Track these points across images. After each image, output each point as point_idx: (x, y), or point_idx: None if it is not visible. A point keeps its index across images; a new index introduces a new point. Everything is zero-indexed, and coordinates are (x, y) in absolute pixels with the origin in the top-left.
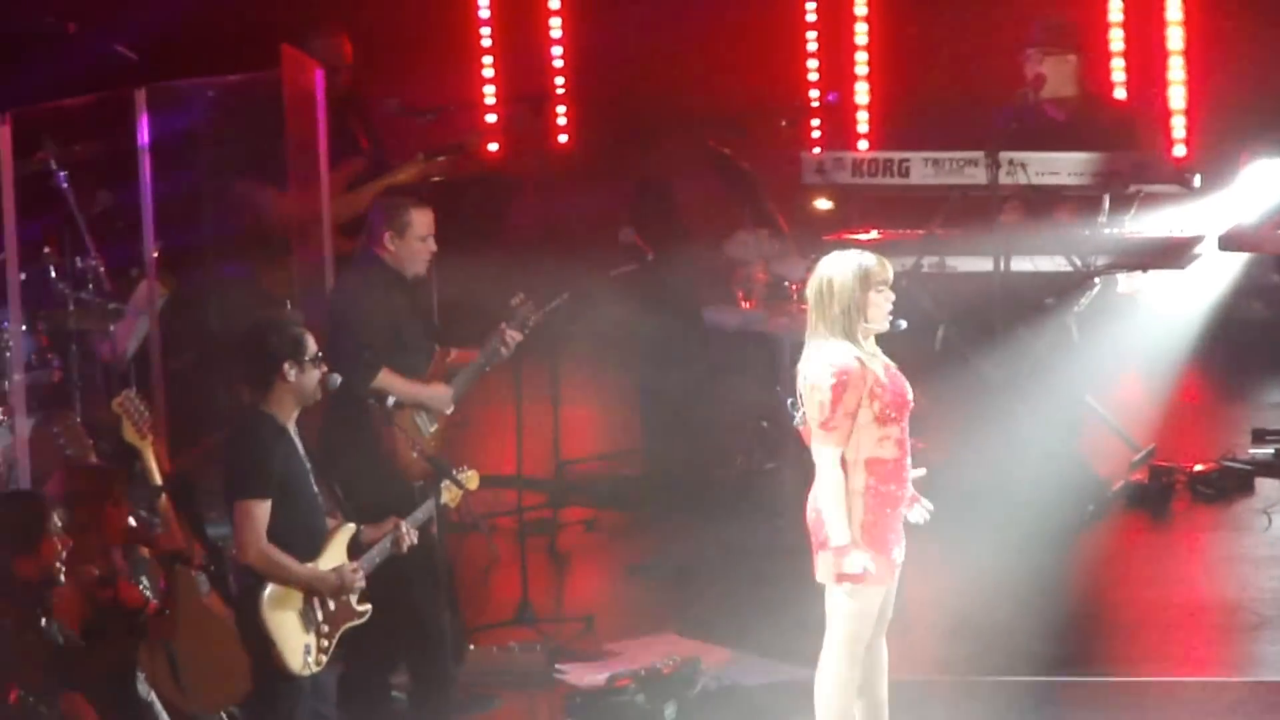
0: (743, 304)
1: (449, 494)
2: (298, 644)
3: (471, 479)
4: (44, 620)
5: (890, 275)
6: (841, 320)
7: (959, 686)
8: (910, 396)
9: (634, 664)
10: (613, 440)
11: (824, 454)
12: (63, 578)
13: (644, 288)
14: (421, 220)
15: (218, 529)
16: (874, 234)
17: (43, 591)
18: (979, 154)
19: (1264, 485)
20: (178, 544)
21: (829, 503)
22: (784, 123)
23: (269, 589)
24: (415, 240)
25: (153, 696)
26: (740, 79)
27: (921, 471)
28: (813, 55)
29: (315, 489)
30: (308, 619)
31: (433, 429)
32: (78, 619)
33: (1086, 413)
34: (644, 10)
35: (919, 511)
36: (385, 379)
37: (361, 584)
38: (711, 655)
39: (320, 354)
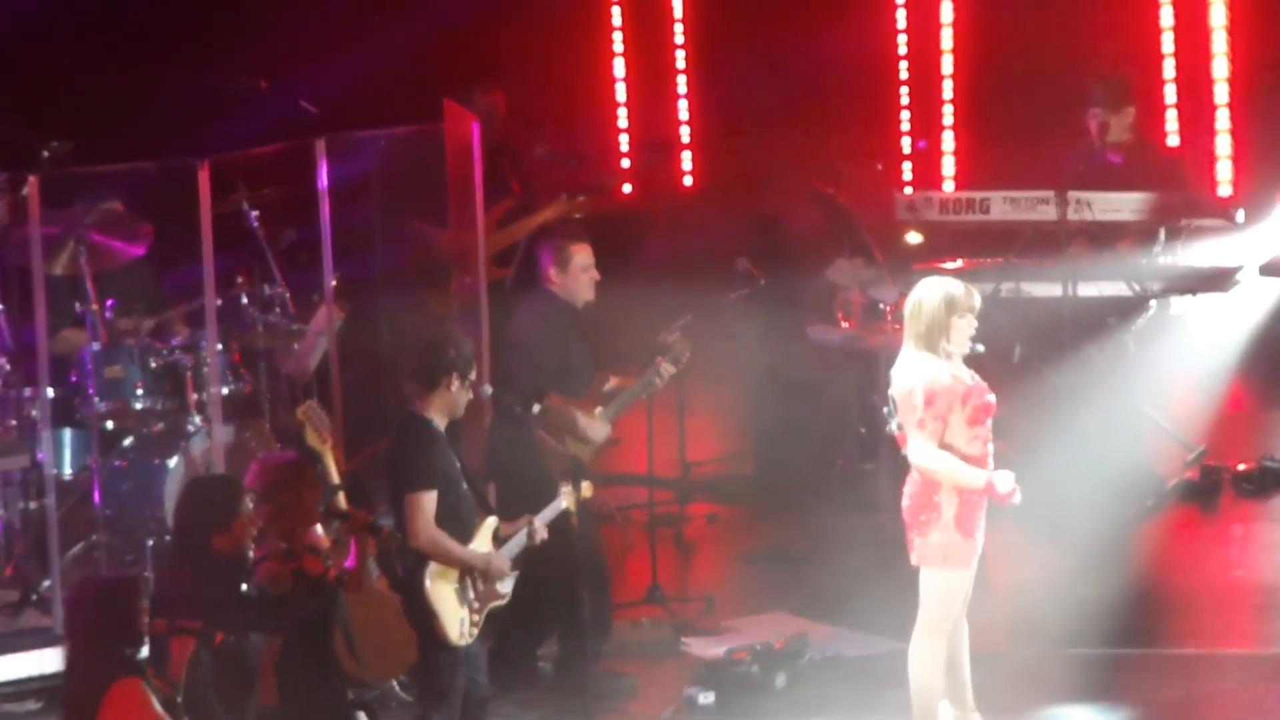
0: (843, 323)
1: (568, 499)
2: (455, 617)
3: (586, 488)
4: (243, 583)
5: (976, 304)
6: (927, 338)
7: (1032, 658)
8: (993, 402)
9: (749, 639)
10: (731, 444)
11: (922, 445)
12: (252, 552)
13: (757, 309)
14: (581, 253)
15: (385, 521)
16: (958, 263)
17: (238, 564)
18: (1050, 193)
19: None
20: (358, 530)
21: (950, 468)
22: (879, 166)
23: (430, 569)
24: (578, 272)
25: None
26: (841, 128)
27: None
28: (905, 108)
29: (465, 485)
30: (462, 596)
31: (589, 451)
32: (274, 582)
33: (1144, 419)
34: (759, 70)
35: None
36: (551, 403)
37: (506, 570)
38: (816, 631)
39: (471, 369)
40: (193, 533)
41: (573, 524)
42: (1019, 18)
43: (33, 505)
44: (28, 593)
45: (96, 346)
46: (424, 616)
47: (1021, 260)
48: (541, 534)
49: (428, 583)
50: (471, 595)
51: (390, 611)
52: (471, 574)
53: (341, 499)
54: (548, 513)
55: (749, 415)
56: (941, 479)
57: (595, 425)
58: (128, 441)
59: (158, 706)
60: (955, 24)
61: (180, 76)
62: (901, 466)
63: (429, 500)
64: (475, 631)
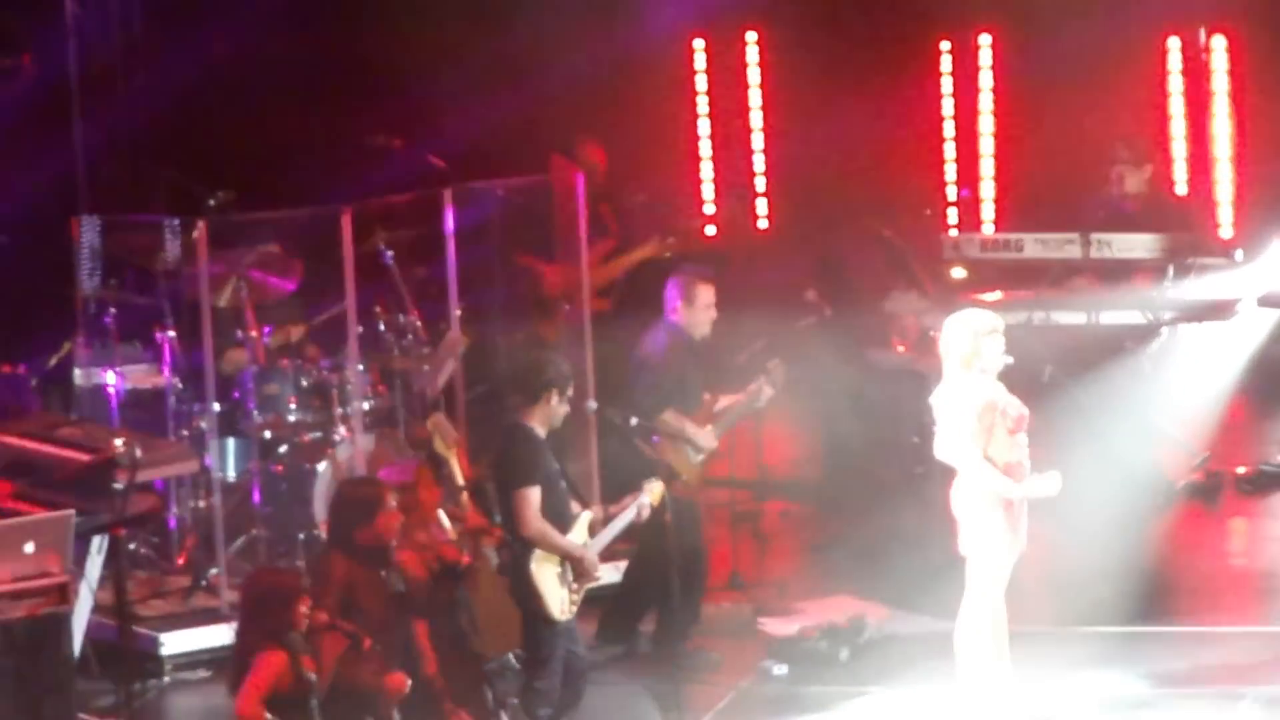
0: (898, 348)
1: (652, 495)
2: (556, 597)
3: (655, 492)
4: (384, 573)
5: (999, 325)
6: (963, 363)
7: (1060, 634)
8: (1027, 414)
9: (817, 618)
10: (801, 451)
11: (970, 453)
12: (394, 544)
13: (823, 335)
14: (705, 292)
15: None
16: (997, 294)
17: (380, 554)
18: (1075, 234)
19: None
20: (479, 525)
21: (992, 478)
22: (928, 212)
23: (535, 555)
24: (701, 308)
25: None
26: (895, 178)
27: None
28: (950, 161)
29: (564, 484)
30: (562, 579)
31: (698, 459)
32: (410, 570)
33: (1156, 429)
34: (824, 128)
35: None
36: (668, 416)
37: (597, 560)
38: (876, 612)
39: (568, 388)
40: (341, 527)
41: (667, 521)
42: (1048, 83)
43: (201, 504)
44: (197, 579)
45: (255, 368)
46: (529, 596)
47: (1051, 292)
48: (641, 518)
49: (533, 566)
50: (570, 578)
51: (503, 594)
52: (569, 560)
53: (465, 498)
54: (633, 503)
55: (817, 425)
56: (986, 482)
57: (704, 436)
58: (283, 449)
59: (295, 676)
60: (994, 90)
61: (327, 134)
62: (948, 471)
63: (535, 495)
64: (574, 609)
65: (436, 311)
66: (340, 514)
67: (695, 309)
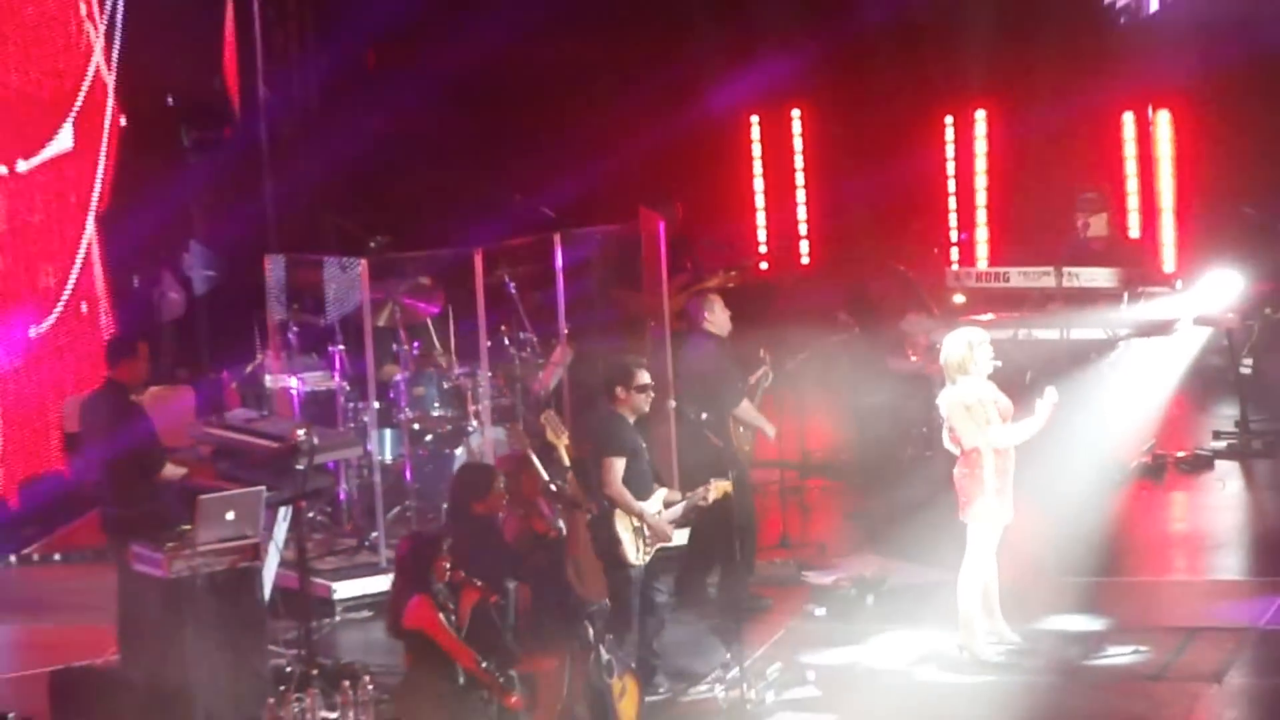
0: (911, 357)
1: (717, 491)
2: (631, 545)
3: (720, 488)
4: (493, 537)
5: (988, 338)
6: (959, 370)
7: (1036, 583)
8: (1012, 407)
9: (849, 571)
10: (836, 439)
11: (973, 438)
12: (502, 516)
13: (853, 347)
14: (720, 304)
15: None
16: (989, 315)
17: (489, 523)
18: (1050, 268)
19: (1220, 464)
20: (579, 499)
21: (1010, 433)
22: (935, 250)
23: (617, 512)
24: (721, 315)
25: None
26: (909, 224)
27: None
28: (951, 211)
29: (646, 463)
30: (638, 533)
31: (747, 436)
32: (515, 538)
33: (1114, 421)
34: (852, 184)
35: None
36: (745, 407)
37: (665, 526)
38: (895, 567)
39: (647, 384)
40: (459, 500)
41: (730, 501)
42: (1029, 148)
43: (364, 481)
44: (361, 541)
45: (407, 374)
46: (611, 543)
47: (1032, 313)
48: (706, 501)
49: (616, 519)
50: (645, 534)
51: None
52: (641, 520)
53: (570, 476)
54: (702, 492)
55: (848, 419)
56: (1008, 444)
57: (768, 424)
58: (428, 438)
59: (441, 617)
60: (987, 154)
61: (464, 190)
62: (950, 455)
63: (619, 464)
64: (646, 558)
65: (548, 330)
66: (460, 490)
67: (716, 316)
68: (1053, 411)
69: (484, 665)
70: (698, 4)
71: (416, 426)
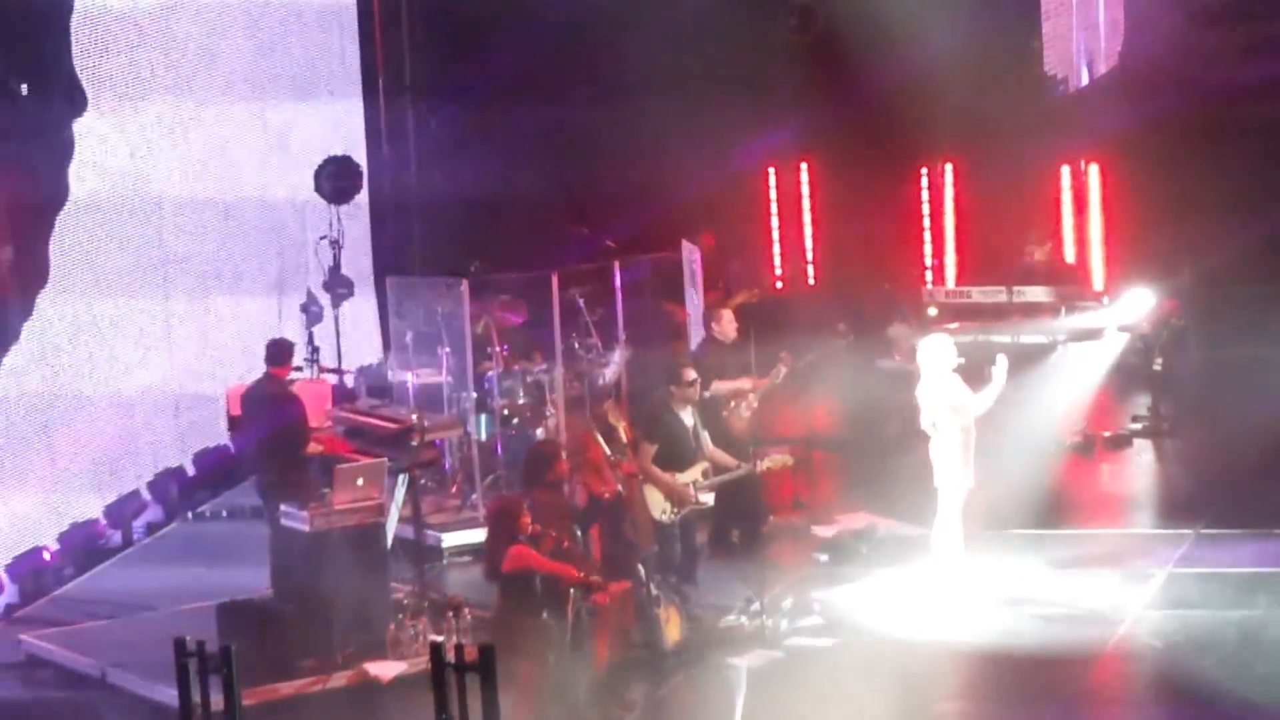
0: (895, 358)
1: (771, 463)
2: (658, 506)
3: (778, 459)
4: (563, 500)
5: (953, 342)
6: (934, 368)
7: (995, 535)
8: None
9: (847, 526)
10: (836, 421)
11: (947, 412)
12: (567, 482)
13: (850, 351)
14: (728, 316)
15: None
16: (955, 325)
17: (558, 487)
18: (1003, 287)
19: (1139, 442)
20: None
21: (980, 400)
22: (914, 273)
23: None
24: (727, 325)
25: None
26: (894, 253)
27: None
28: (927, 243)
29: (692, 443)
30: (665, 497)
31: (746, 414)
32: (583, 497)
33: (1053, 406)
34: (849, 222)
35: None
36: (721, 384)
37: (689, 493)
38: (883, 522)
39: (694, 380)
40: (535, 470)
41: (755, 474)
42: (988, 192)
43: (464, 455)
44: (464, 501)
45: (498, 371)
46: (642, 505)
47: (989, 322)
48: (738, 474)
49: (646, 488)
50: (672, 500)
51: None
52: (663, 488)
53: (628, 451)
54: (736, 473)
55: (845, 406)
56: (981, 409)
57: (747, 402)
58: (515, 421)
59: (537, 554)
60: (954, 197)
61: (543, 225)
62: (925, 435)
63: (649, 447)
64: (674, 516)
65: (608, 336)
66: (533, 460)
67: (723, 325)
68: (1006, 373)
69: (581, 574)
70: (726, 79)
71: (505, 412)
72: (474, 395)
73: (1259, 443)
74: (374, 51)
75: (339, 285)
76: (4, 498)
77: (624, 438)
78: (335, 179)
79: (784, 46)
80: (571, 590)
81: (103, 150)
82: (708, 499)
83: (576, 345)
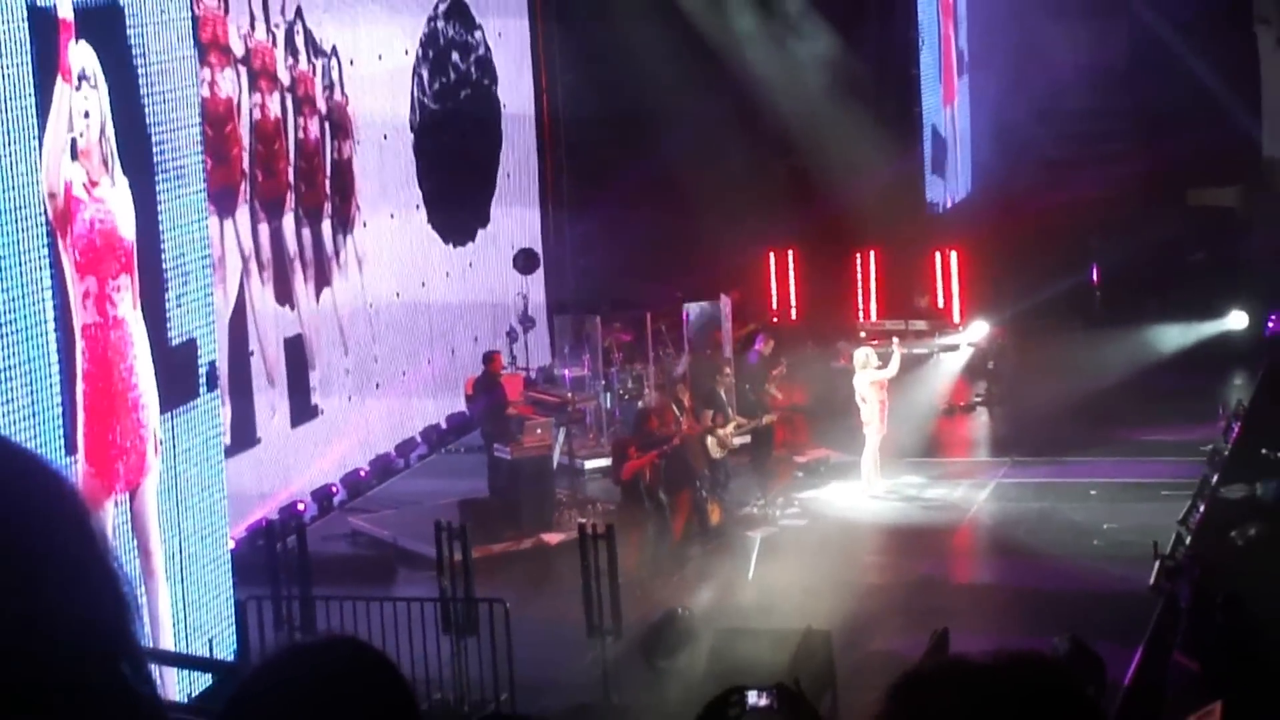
0: (841, 361)
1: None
2: (714, 445)
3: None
4: (656, 438)
5: (873, 351)
6: (861, 366)
7: (898, 462)
8: (887, 381)
9: (814, 456)
10: (808, 397)
11: (871, 391)
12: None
13: (816, 359)
14: (772, 343)
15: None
16: (875, 341)
17: (653, 436)
18: (902, 320)
19: (979, 409)
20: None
21: (886, 371)
22: (852, 311)
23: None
24: (767, 347)
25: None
26: (842, 301)
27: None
28: (859, 295)
29: (727, 410)
30: (716, 441)
31: (776, 391)
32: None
33: (934, 388)
34: (817, 281)
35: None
36: (770, 385)
37: (729, 437)
38: (835, 454)
39: (729, 374)
40: (640, 422)
41: (766, 427)
42: (895, 265)
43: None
44: (597, 443)
45: (616, 368)
46: (703, 447)
47: (895, 341)
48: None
49: (705, 437)
50: (719, 442)
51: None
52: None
53: (688, 414)
54: (755, 422)
55: (813, 388)
56: (887, 377)
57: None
58: (626, 397)
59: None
60: (876, 269)
61: (638, 285)
62: (857, 405)
63: (707, 412)
64: (724, 453)
65: (679, 348)
66: (640, 418)
67: (766, 347)
68: (899, 358)
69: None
70: (745, 200)
71: (621, 391)
72: (603, 382)
73: (1049, 409)
74: (545, 174)
75: (527, 320)
76: (343, 438)
77: (686, 405)
78: (524, 260)
79: (776, 181)
80: (660, 492)
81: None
82: (743, 441)
83: (660, 353)
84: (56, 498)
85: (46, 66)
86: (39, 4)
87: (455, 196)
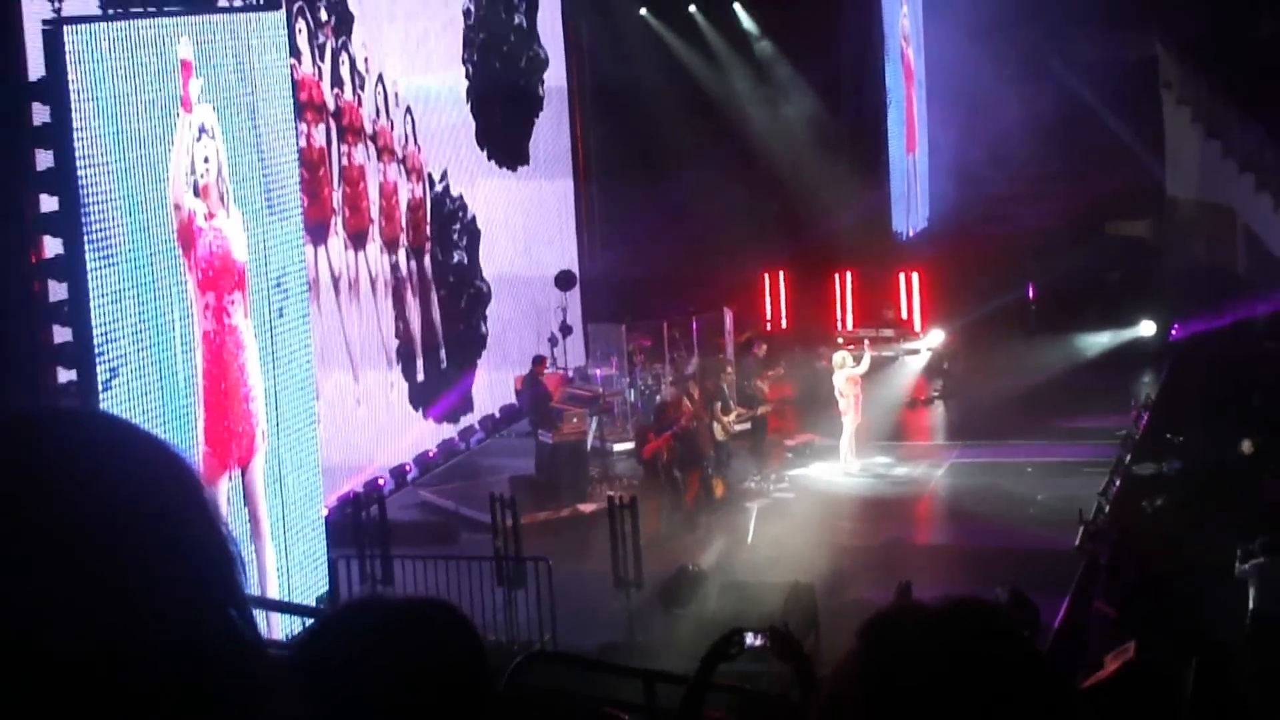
0: (823, 362)
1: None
2: (719, 430)
3: (769, 409)
4: (671, 421)
5: (849, 353)
6: (839, 366)
7: (873, 445)
8: (859, 377)
9: (801, 440)
10: (797, 391)
11: (847, 386)
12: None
13: (804, 360)
14: (765, 347)
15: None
16: (851, 346)
17: (669, 421)
18: (873, 328)
19: (937, 402)
20: (711, 416)
21: (859, 368)
22: (832, 321)
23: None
24: (761, 349)
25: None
26: (823, 313)
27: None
28: (837, 308)
29: (730, 402)
30: (721, 427)
31: (766, 386)
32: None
33: (900, 385)
34: (803, 298)
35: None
36: (760, 381)
37: (733, 427)
38: (819, 437)
39: (731, 373)
40: (660, 411)
41: (762, 416)
42: (868, 284)
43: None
44: (624, 429)
45: (640, 368)
46: (711, 433)
47: (866, 347)
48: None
49: (712, 424)
50: (722, 424)
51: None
52: (720, 421)
53: (699, 405)
54: (755, 414)
55: (800, 384)
56: (860, 372)
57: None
58: (646, 392)
59: (654, 444)
60: (853, 287)
61: (654, 301)
62: (835, 399)
63: (716, 403)
64: (725, 437)
65: (690, 350)
66: (659, 409)
67: (762, 350)
68: (870, 355)
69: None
70: (743, 230)
71: (642, 387)
72: (627, 379)
73: (993, 402)
74: (581, 210)
75: (565, 329)
76: (415, 425)
77: (696, 398)
78: (564, 280)
79: (769, 216)
80: (674, 470)
81: None
82: (743, 427)
83: (674, 356)
84: (176, 473)
85: (173, 98)
86: (167, 47)
87: None
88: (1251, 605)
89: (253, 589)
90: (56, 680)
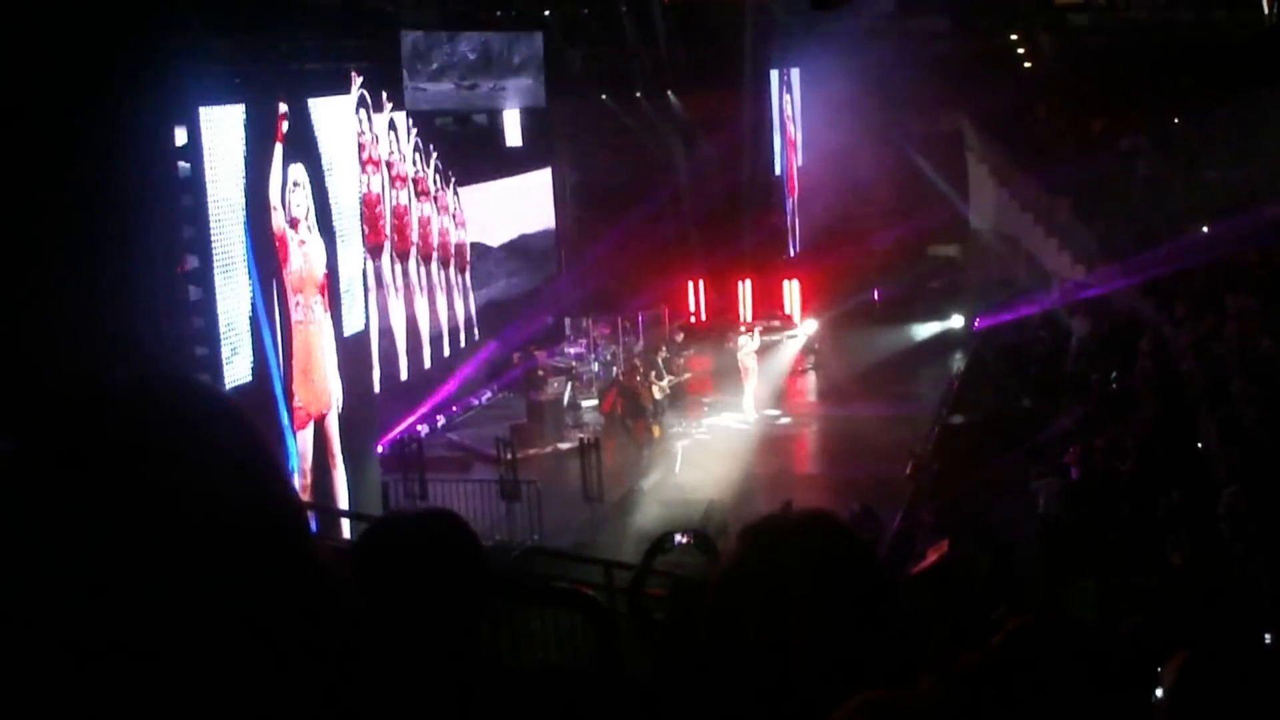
0: (732, 343)
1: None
2: (656, 392)
3: (688, 376)
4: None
5: (749, 337)
6: (743, 346)
7: (763, 403)
8: (756, 357)
9: (715, 398)
10: (711, 366)
11: (748, 359)
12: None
13: (719, 345)
14: (748, 334)
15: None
16: (750, 331)
17: (630, 390)
18: (765, 320)
19: (810, 373)
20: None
21: (753, 347)
22: (734, 315)
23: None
24: (745, 339)
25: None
26: (730, 308)
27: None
28: (739, 304)
29: (663, 370)
30: (658, 389)
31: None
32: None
33: (778, 362)
34: (717, 299)
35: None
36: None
37: (666, 389)
38: (725, 398)
39: (665, 354)
40: (622, 378)
41: (685, 381)
42: (767, 293)
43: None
44: (590, 391)
45: (602, 348)
46: (650, 394)
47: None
48: (678, 380)
49: (651, 388)
50: (657, 391)
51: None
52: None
53: (645, 376)
54: (678, 380)
55: (717, 361)
56: (754, 348)
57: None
58: (606, 364)
59: (611, 399)
60: (752, 294)
61: (611, 301)
62: (739, 369)
63: (650, 372)
64: (662, 395)
65: (635, 336)
66: (624, 375)
67: (680, 336)
68: (762, 339)
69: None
70: (674, 249)
71: (603, 361)
72: (593, 356)
73: (850, 373)
74: (559, 233)
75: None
76: (444, 387)
77: (640, 369)
78: (547, 280)
79: (693, 238)
80: (626, 419)
81: None
82: (668, 389)
83: (625, 340)
84: (242, 425)
85: (270, 135)
86: (265, 104)
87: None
88: (1040, 511)
89: (327, 503)
90: (167, 567)
